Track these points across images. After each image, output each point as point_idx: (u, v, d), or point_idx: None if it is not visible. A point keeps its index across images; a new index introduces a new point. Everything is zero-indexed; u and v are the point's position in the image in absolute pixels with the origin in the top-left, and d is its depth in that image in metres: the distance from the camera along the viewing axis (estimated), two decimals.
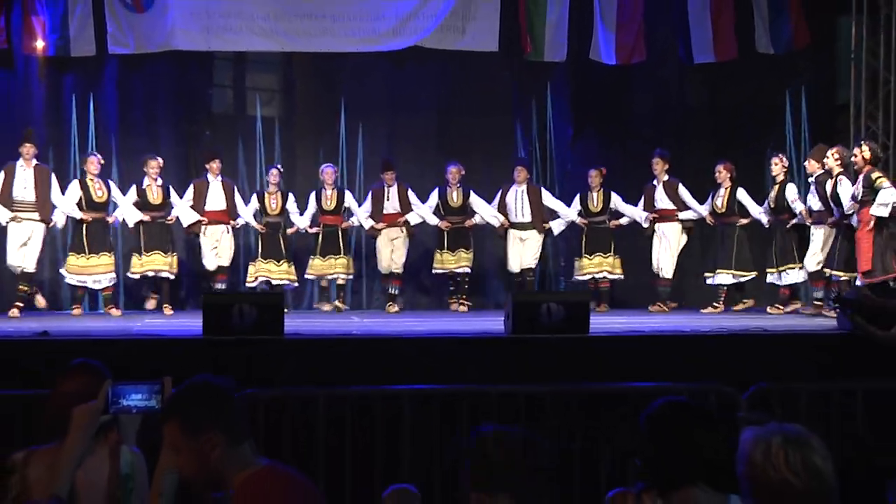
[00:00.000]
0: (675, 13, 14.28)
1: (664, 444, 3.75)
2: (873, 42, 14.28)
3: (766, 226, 12.76)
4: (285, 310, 9.03)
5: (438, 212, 13.37)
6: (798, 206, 12.18)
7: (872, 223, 10.65)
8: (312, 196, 13.31)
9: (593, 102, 14.77)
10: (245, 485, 3.15)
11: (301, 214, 13.27)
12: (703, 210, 13.08)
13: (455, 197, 13.30)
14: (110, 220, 12.61)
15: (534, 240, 13.30)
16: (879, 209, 10.61)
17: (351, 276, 13.56)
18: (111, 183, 12.75)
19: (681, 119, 14.92)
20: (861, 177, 10.90)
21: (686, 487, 3.70)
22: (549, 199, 13.39)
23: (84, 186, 12.39)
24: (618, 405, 6.59)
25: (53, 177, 12.45)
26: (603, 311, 12.95)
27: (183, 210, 12.86)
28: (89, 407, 3.41)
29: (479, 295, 14.11)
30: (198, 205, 12.91)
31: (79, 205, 12.36)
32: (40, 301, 12.40)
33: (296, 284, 13.38)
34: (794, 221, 12.31)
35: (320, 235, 13.21)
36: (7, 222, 12.12)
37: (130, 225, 12.67)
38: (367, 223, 13.28)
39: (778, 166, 12.57)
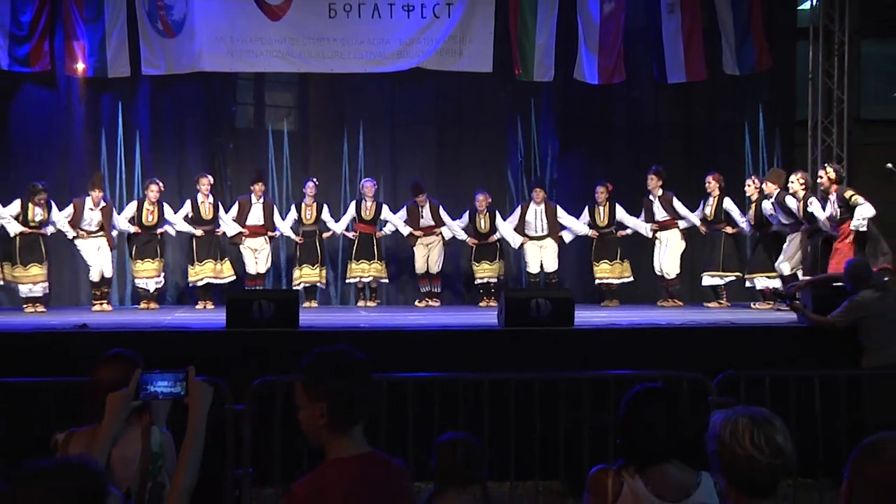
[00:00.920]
0: (650, 38, 14.29)
1: (641, 424, 3.74)
2: (828, 65, 14.36)
3: (747, 234, 12.83)
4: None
5: (468, 231, 13.46)
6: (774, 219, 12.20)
7: (852, 237, 10.71)
8: (353, 205, 13.43)
9: (578, 118, 14.76)
10: (319, 474, 3.07)
11: (337, 220, 13.34)
12: (696, 219, 13.09)
13: (483, 224, 13.36)
14: (160, 230, 12.76)
15: (551, 247, 13.34)
16: (858, 223, 10.68)
17: (386, 280, 13.68)
18: (165, 206, 12.78)
19: (655, 132, 14.91)
20: (834, 196, 10.91)
21: (661, 464, 3.70)
22: (563, 216, 13.37)
23: (140, 209, 12.59)
24: (599, 390, 6.59)
25: (114, 210, 12.62)
26: (613, 307, 13.07)
27: (228, 224, 12.97)
28: (121, 394, 3.41)
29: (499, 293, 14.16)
30: (240, 219, 13.03)
31: (132, 221, 12.58)
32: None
33: (323, 285, 13.47)
34: (773, 230, 12.31)
35: (356, 242, 13.27)
36: (72, 238, 12.31)
37: (197, 234, 12.83)
38: (406, 230, 13.37)
39: (751, 187, 12.56)
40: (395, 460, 3.22)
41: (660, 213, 13.25)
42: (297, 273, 13.28)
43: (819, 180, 11.30)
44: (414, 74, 14.12)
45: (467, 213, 13.47)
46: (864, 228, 10.68)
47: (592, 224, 13.40)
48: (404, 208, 13.53)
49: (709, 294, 13.29)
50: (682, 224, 13.20)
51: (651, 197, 13.29)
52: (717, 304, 12.92)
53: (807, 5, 15.03)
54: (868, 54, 15.43)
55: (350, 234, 13.34)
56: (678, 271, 13.28)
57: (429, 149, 14.66)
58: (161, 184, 12.77)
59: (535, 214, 13.32)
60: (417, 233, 13.33)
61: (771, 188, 12.01)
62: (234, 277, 13.16)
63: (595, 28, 14.09)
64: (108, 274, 12.53)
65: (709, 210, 12.96)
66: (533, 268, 13.43)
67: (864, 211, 10.69)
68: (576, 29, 14.14)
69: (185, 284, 13.48)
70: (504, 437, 6.66)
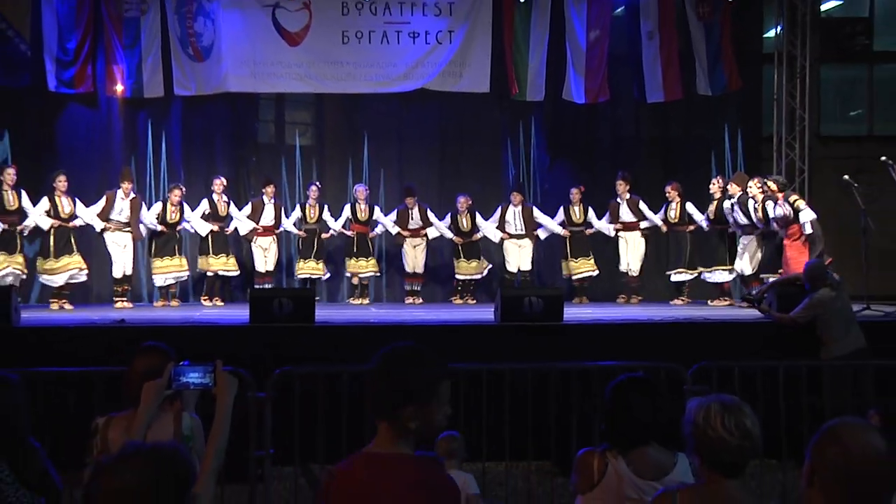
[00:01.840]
0: (632, 62, 14.29)
1: (623, 410, 3.74)
2: (791, 86, 14.40)
3: (706, 230, 12.79)
4: (318, 299, 9.12)
5: (451, 230, 13.42)
6: (732, 218, 12.22)
7: (803, 238, 10.82)
8: (347, 207, 13.38)
9: (566, 134, 14.76)
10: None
11: (336, 220, 13.30)
12: (658, 220, 13.09)
13: (465, 223, 13.35)
14: (179, 227, 12.69)
15: (528, 247, 13.34)
16: (807, 227, 10.91)
17: (378, 275, 13.68)
18: (185, 207, 12.74)
19: (636, 146, 14.94)
20: (783, 201, 11.04)
21: (642, 446, 3.70)
22: (538, 215, 13.41)
23: (164, 209, 12.51)
24: (586, 380, 6.58)
25: (143, 204, 12.56)
26: (583, 304, 13.08)
27: (242, 222, 12.94)
28: (156, 383, 3.41)
29: (482, 293, 14.11)
30: (253, 218, 13.00)
31: (158, 219, 12.49)
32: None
33: (325, 277, 13.43)
34: (732, 230, 12.37)
35: (354, 241, 13.22)
36: (100, 230, 12.20)
37: (203, 234, 12.77)
38: (395, 230, 13.33)
39: (715, 186, 12.70)
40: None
41: (625, 215, 13.31)
42: (298, 265, 13.23)
43: (764, 190, 11.48)
44: (419, 95, 14.11)
45: (449, 215, 13.46)
46: (811, 230, 10.91)
47: (567, 222, 13.41)
48: (395, 211, 13.52)
49: (669, 290, 13.30)
50: (643, 224, 13.24)
51: (618, 200, 13.35)
52: (681, 300, 12.93)
53: (772, 33, 15.05)
54: (827, 78, 15.44)
55: (348, 233, 13.28)
56: (639, 269, 13.36)
57: (432, 161, 14.66)
58: (184, 189, 12.76)
59: (514, 215, 13.35)
60: (405, 233, 13.31)
61: (735, 189, 12.15)
62: (238, 272, 13.14)
63: (582, 53, 14.10)
64: (129, 271, 12.41)
65: (672, 213, 13.03)
66: (512, 266, 13.41)
67: (806, 215, 11.00)
68: (564, 53, 14.15)
69: (198, 276, 13.37)
70: (500, 422, 6.66)
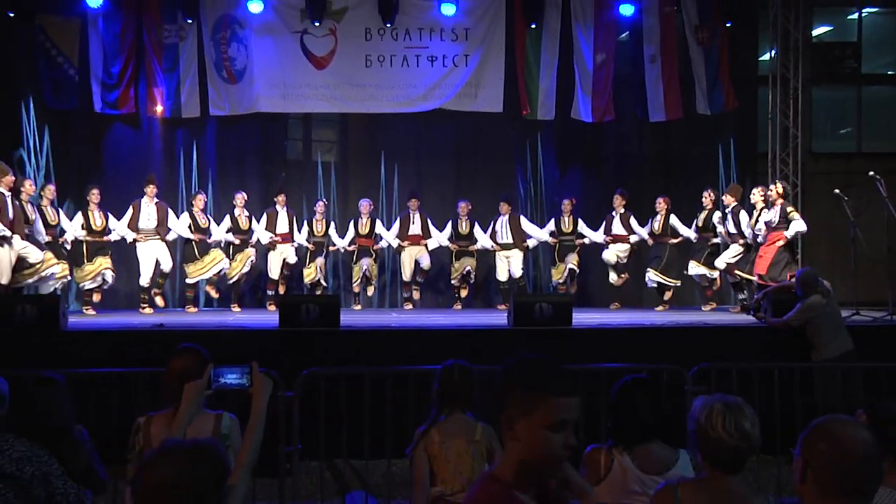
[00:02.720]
0: (635, 83, 14.26)
1: (628, 409, 3.74)
2: (785, 106, 14.34)
3: (694, 241, 12.73)
4: None
5: (451, 238, 13.32)
6: (720, 229, 12.27)
7: (781, 243, 10.84)
8: (352, 223, 13.27)
9: (574, 151, 14.76)
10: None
11: (342, 237, 13.22)
12: (645, 234, 13.07)
13: (464, 226, 13.28)
14: (209, 240, 12.62)
15: (517, 256, 13.25)
16: (791, 234, 11.08)
17: (374, 284, 13.45)
18: (211, 220, 12.76)
19: (640, 162, 14.90)
20: (777, 208, 11.12)
21: (645, 443, 3.70)
22: (525, 225, 13.36)
23: (192, 217, 12.47)
24: (592, 381, 6.57)
25: (170, 209, 12.53)
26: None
27: (261, 233, 12.89)
28: (197, 384, 3.42)
29: (477, 298, 14.10)
30: (269, 228, 12.94)
31: (188, 229, 12.43)
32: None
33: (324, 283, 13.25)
34: (716, 240, 12.39)
35: (356, 253, 13.15)
36: (131, 242, 12.16)
37: (231, 240, 12.72)
38: (395, 242, 13.24)
39: (707, 199, 12.67)
40: None
41: (617, 228, 13.24)
42: (306, 272, 13.06)
43: (769, 192, 11.50)
44: (436, 114, 14.12)
45: (450, 222, 13.38)
46: (791, 236, 11.11)
47: (557, 231, 13.33)
48: (397, 220, 13.48)
49: (653, 296, 13.29)
50: (633, 238, 13.18)
51: (613, 213, 13.30)
52: (663, 306, 12.93)
53: (766, 57, 15.00)
54: (818, 98, 15.38)
55: (350, 248, 13.19)
56: (624, 278, 13.36)
57: (448, 176, 14.66)
58: (205, 195, 12.84)
59: (502, 224, 13.29)
60: (404, 243, 13.20)
61: (730, 200, 12.16)
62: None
63: (589, 75, 14.09)
64: (167, 269, 12.36)
65: (657, 226, 12.99)
66: (501, 276, 13.34)
67: (798, 225, 11.07)
68: (573, 75, 14.13)
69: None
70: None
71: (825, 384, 7.82)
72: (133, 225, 12.12)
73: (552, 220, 13.50)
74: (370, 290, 13.48)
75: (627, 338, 8.99)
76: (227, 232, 12.66)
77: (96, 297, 12.06)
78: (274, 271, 13.00)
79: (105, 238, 11.96)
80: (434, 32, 13.92)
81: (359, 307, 13.38)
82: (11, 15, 12.98)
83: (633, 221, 13.19)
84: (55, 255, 11.21)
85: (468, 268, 13.24)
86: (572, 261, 13.18)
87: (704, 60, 14.19)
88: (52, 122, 13.52)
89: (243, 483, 3.06)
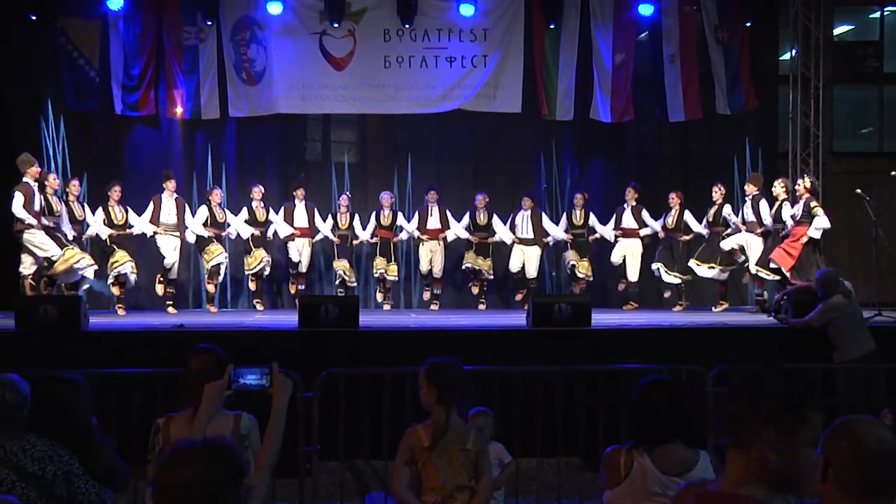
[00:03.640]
0: (655, 83, 14.19)
1: (649, 410, 3.72)
2: (805, 106, 14.26)
3: (705, 236, 12.68)
4: None
5: (469, 229, 13.30)
6: (733, 219, 12.29)
7: (805, 240, 10.78)
8: (373, 215, 13.31)
9: (593, 151, 14.73)
10: None
11: (364, 229, 13.27)
12: (658, 227, 13.04)
13: (482, 217, 13.27)
14: (223, 234, 12.73)
15: (534, 255, 13.23)
16: (815, 232, 10.87)
17: (397, 279, 13.48)
18: (228, 212, 12.90)
19: (659, 163, 14.85)
20: (802, 202, 11.08)
21: (666, 444, 3.67)
22: (546, 222, 13.35)
23: (210, 211, 12.60)
24: (612, 381, 6.55)
25: (186, 206, 12.63)
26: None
27: (280, 226, 12.94)
28: (217, 384, 3.43)
29: (493, 294, 14.05)
30: (287, 221, 12.99)
31: (204, 224, 12.52)
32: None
33: (354, 284, 13.28)
34: (728, 232, 12.34)
35: (378, 245, 13.21)
36: (151, 235, 12.25)
37: (245, 237, 12.76)
38: (416, 233, 13.27)
39: (717, 193, 12.62)
40: None
41: (627, 222, 13.21)
42: (335, 263, 13.16)
43: (796, 187, 11.44)
44: (455, 115, 14.11)
45: (467, 214, 13.37)
46: (818, 236, 10.94)
47: (569, 225, 13.33)
48: (416, 213, 13.52)
49: (667, 294, 13.21)
50: (643, 232, 13.15)
51: (624, 206, 13.28)
52: (679, 305, 12.87)
53: (787, 56, 14.94)
54: (839, 97, 15.29)
55: (373, 240, 13.25)
56: (638, 276, 13.24)
57: (466, 177, 14.62)
58: (221, 190, 12.98)
59: (523, 219, 13.26)
60: (423, 236, 13.23)
61: (751, 189, 12.15)
62: (268, 266, 13.00)
63: (608, 75, 14.05)
64: (174, 275, 12.41)
65: (670, 220, 12.95)
66: (514, 267, 13.31)
67: (821, 222, 10.96)
68: (592, 76, 14.08)
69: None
70: (531, 421, 6.64)
71: (847, 385, 7.78)
72: (154, 219, 12.26)
73: (564, 215, 13.52)
74: (387, 305, 13.50)
75: (647, 338, 8.97)
76: (244, 223, 12.74)
77: (116, 290, 12.08)
78: (296, 261, 13.04)
79: (127, 231, 12.06)
80: (453, 33, 13.91)
81: (388, 307, 13.42)
82: (33, 18, 13.06)
83: (645, 214, 13.16)
84: (81, 249, 11.32)
85: (483, 270, 13.23)
86: (573, 258, 13.19)
87: (724, 60, 14.11)
88: (73, 123, 13.59)
89: (263, 484, 3.06)
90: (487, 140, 14.63)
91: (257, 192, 12.93)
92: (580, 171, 14.69)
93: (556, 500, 6.83)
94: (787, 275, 10.98)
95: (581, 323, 8.79)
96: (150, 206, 12.31)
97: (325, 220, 13.22)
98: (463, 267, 13.45)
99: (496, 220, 13.28)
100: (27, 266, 10.89)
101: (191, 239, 12.61)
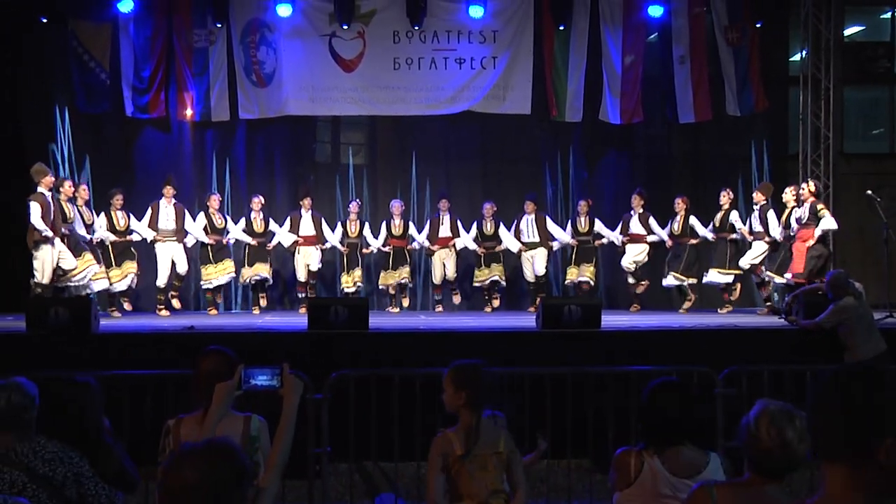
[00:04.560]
0: (664, 84, 14.20)
1: (659, 412, 3.71)
2: (816, 107, 14.24)
3: (711, 241, 12.69)
4: None
5: (477, 239, 13.27)
6: (739, 225, 12.33)
7: (811, 242, 10.78)
8: (384, 224, 13.29)
9: (602, 152, 14.73)
10: None
11: (376, 237, 13.24)
12: (665, 235, 13.01)
13: (488, 227, 13.26)
14: (224, 241, 12.72)
15: (541, 255, 13.19)
16: (820, 232, 10.92)
17: (409, 283, 13.46)
18: (228, 219, 12.90)
19: (668, 165, 14.85)
20: (807, 205, 11.08)
21: (676, 446, 3.67)
22: (551, 226, 13.33)
23: (208, 217, 12.60)
24: (622, 383, 6.53)
25: (186, 211, 12.60)
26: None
27: (283, 235, 12.93)
28: (227, 385, 3.42)
29: (505, 299, 14.03)
30: (293, 231, 12.97)
31: (204, 230, 12.53)
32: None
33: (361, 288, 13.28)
34: (734, 237, 12.39)
35: (391, 255, 13.17)
36: (151, 241, 12.29)
37: (248, 240, 12.76)
38: (426, 244, 13.25)
39: (725, 198, 12.64)
40: None
41: (634, 228, 13.19)
42: (344, 278, 13.17)
43: (801, 191, 11.47)
44: (465, 116, 14.12)
45: (475, 223, 13.35)
46: (820, 233, 10.95)
47: (574, 232, 13.31)
48: (427, 222, 13.51)
49: (676, 298, 13.23)
50: (650, 238, 13.12)
51: (632, 212, 13.26)
52: (688, 302, 12.89)
53: (797, 57, 14.91)
54: (849, 98, 15.25)
55: (385, 249, 13.20)
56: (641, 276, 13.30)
57: (476, 178, 14.65)
58: (219, 196, 12.94)
59: (527, 223, 13.23)
60: (434, 247, 13.20)
61: (759, 198, 12.16)
62: (268, 276, 12.93)
63: (617, 76, 14.05)
64: (183, 271, 12.44)
65: (676, 226, 12.95)
66: (529, 276, 13.30)
67: (827, 223, 10.95)
68: (601, 77, 14.08)
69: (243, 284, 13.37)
70: (541, 422, 6.62)
71: None
72: (153, 225, 12.29)
73: (568, 224, 13.49)
74: (405, 301, 13.49)
75: (656, 340, 8.94)
76: (243, 232, 12.74)
77: (127, 307, 12.15)
78: (300, 273, 13.02)
79: (128, 238, 12.09)
80: (462, 35, 13.92)
81: (396, 311, 13.37)
82: (44, 20, 13.13)
83: (652, 221, 13.12)
84: (94, 256, 11.35)
85: (496, 277, 13.22)
86: (586, 272, 13.18)
87: (734, 61, 14.10)
88: (84, 126, 13.65)
89: (273, 485, 3.06)
90: (496, 141, 14.63)
91: (256, 202, 12.87)
92: (589, 172, 14.69)
93: (566, 502, 6.81)
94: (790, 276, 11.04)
95: (591, 325, 8.77)
96: (149, 212, 12.35)
97: (332, 230, 13.19)
98: (475, 285, 13.49)
99: (503, 230, 13.26)
100: (40, 276, 10.82)
101: (190, 243, 12.61)
